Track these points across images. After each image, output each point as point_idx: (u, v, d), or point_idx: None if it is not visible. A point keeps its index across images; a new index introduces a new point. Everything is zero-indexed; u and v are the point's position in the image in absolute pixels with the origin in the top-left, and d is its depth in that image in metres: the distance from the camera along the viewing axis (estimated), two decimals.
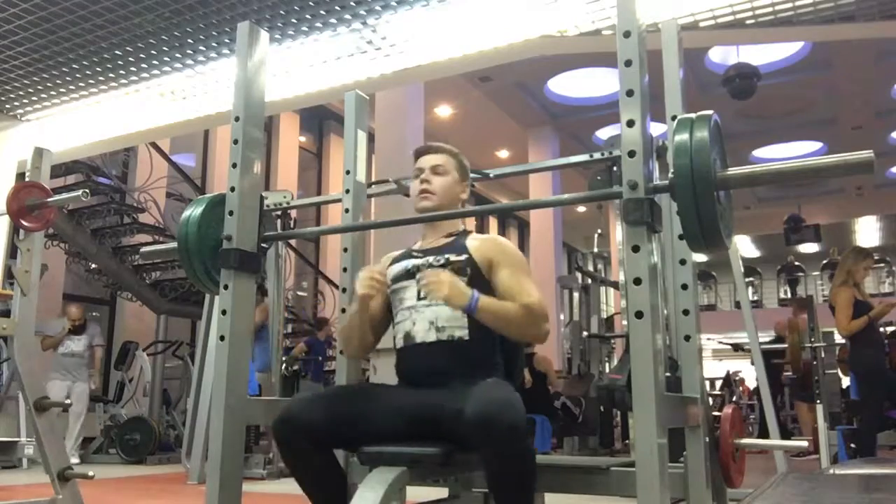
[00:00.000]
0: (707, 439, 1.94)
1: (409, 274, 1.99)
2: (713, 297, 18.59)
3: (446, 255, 1.98)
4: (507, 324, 1.86)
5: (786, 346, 6.85)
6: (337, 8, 3.71)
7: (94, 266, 7.78)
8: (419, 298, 1.95)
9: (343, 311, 2.28)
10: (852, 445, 4.78)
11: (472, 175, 2.24)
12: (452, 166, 2.10)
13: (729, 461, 2.05)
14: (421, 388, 1.90)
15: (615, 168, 2.88)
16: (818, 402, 5.23)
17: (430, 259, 1.98)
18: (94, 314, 7.00)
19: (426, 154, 2.13)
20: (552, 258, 11.26)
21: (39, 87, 4.71)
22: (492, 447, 1.61)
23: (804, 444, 2.38)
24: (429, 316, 1.93)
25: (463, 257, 1.96)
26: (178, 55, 4.25)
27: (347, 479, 1.99)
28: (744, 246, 19.40)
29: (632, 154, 1.55)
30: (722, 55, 9.28)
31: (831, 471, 2.82)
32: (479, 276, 1.95)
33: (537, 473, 1.70)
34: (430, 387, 1.88)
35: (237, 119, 2.04)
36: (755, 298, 17.32)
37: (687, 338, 2.02)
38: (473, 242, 2.02)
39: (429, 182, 2.07)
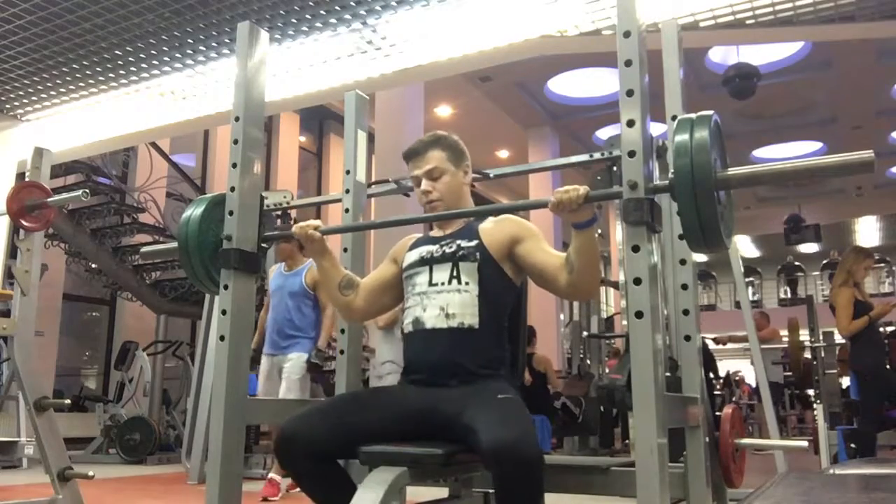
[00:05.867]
0: (707, 439, 1.94)
1: (424, 261, 1.99)
2: (713, 297, 18.60)
3: (458, 242, 1.97)
4: (595, 258, 1.78)
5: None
6: (337, 8, 3.71)
7: (94, 266, 7.78)
8: (430, 284, 1.95)
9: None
10: (852, 445, 4.77)
11: (471, 175, 2.23)
12: (444, 160, 2.05)
13: (729, 461, 2.05)
14: (427, 387, 1.89)
15: (615, 168, 2.89)
16: (818, 401, 5.23)
17: (444, 247, 1.98)
18: None
19: (414, 158, 2.06)
20: None
21: (39, 87, 4.71)
22: (505, 477, 1.60)
23: (804, 444, 2.38)
24: (439, 302, 1.92)
25: (473, 243, 1.96)
26: (178, 55, 4.25)
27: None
28: (744, 246, 19.40)
29: (632, 154, 1.55)
30: (722, 55, 9.27)
31: (831, 471, 2.82)
32: (489, 261, 1.94)
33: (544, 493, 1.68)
34: (436, 385, 1.87)
35: (237, 119, 2.04)
36: (755, 298, 17.33)
37: (687, 338, 2.02)
38: (487, 226, 2.01)
39: (430, 191, 2.03)
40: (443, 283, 1.93)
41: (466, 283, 1.91)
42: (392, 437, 1.81)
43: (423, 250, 2.02)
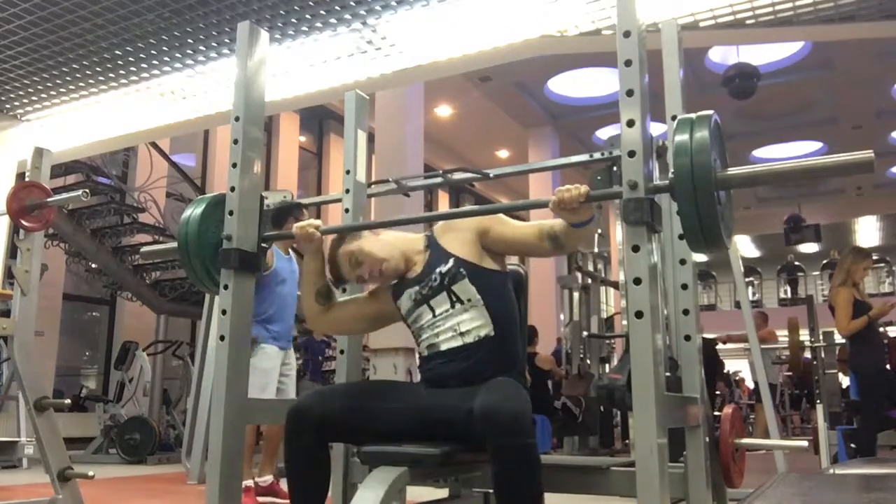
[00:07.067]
0: (707, 439, 1.94)
1: (418, 302, 1.98)
2: (713, 297, 18.61)
3: (437, 271, 1.96)
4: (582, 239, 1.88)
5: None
6: (337, 8, 3.71)
7: (94, 266, 7.78)
8: (435, 316, 1.95)
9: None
10: (852, 445, 4.78)
11: (471, 175, 2.23)
12: (353, 258, 2.00)
13: (729, 461, 2.05)
14: (441, 388, 1.91)
15: (615, 168, 2.88)
16: (818, 402, 5.23)
17: (429, 283, 1.96)
18: None
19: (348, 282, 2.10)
20: (552, 258, 11.26)
21: (39, 87, 4.71)
22: (495, 438, 1.62)
23: (804, 444, 2.38)
24: (450, 324, 1.93)
25: (451, 263, 1.95)
26: (178, 55, 4.24)
27: (347, 480, 2.02)
28: (744, 246, 19.40)
29: (632, 154, 1.55)
30: (722, 55, 9.27)
31: (831, 471, 2.82)
32: (474, 269, 1.94)
33: (542, 476, 1.67)
34: (450, 387, 1.89)
35: (237, 119, 2.04)
36: (755, 298, 17.35)
37: (687, 338, 2.02)
38: (448, 238, 2.00)
39: (369, 269, 1.99)
40: (447, 310, 1.94)
41: (469, 300, 1.92)
42: (403, 428, 1.83)
43: (412, 293, 2.00)
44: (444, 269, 1.95)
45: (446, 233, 2.02)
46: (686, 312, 2.03)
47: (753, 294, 17.51)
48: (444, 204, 13.15)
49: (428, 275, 1.98)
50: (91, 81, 4.61)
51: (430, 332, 1.96)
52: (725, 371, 10.79)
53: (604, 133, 11.35)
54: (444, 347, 1.93)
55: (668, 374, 1.90)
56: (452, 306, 1.93)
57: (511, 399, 1.68)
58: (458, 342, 1.91)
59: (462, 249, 1.96)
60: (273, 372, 3.82)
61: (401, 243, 2.04)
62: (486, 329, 1.91)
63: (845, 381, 6.04)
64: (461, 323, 1.92)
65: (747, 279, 15.74)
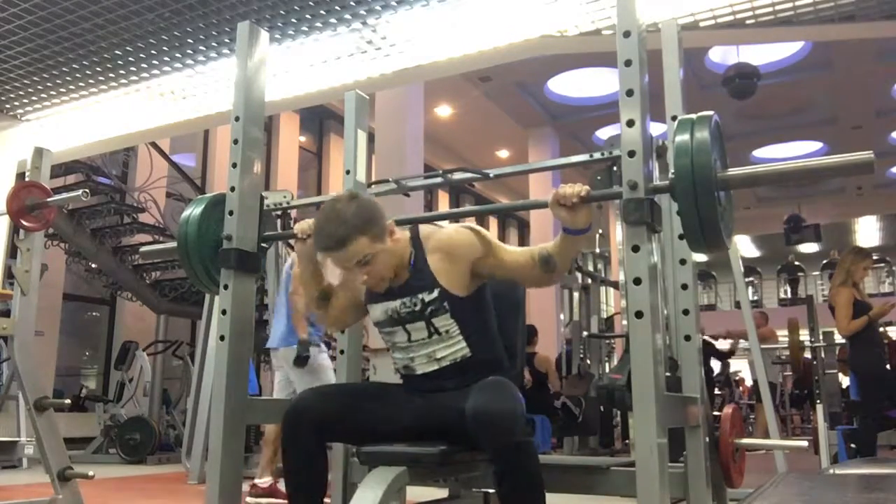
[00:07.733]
0: (707, 439, 1.94)
1: (394, 321, 1.93)
2: (713, 297, 18.60)
3: (420, 296, 1.89)
4: (574, 256, 1.84)
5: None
6: (337, 8, 3.71)
7: (94, 266, 7.78)
8: (410, 341, 1.92)
9: None
10: (852, 445, 4.78)
11: (471, 175, 2.22)
12: (368, 244, 1.80)
13: (729, 461, 2.05)
14: (431, 393, 1.91)
15: (615, 168, 2.89)
16: (818, 402, 5.23)
17: (411, 305, 1.89)
18: None
19: (334, 252, 1.82)
20: None
21: (39, 87, 4.71)
22: (489, 438, 1.63)
23: (804, 443, 2.38)
24: (426, 351, 1.91)
25: (436, 293, 1.88)
26: (178, 55, 4.25)
27: (346, 480, 2.02)
28: (744, 246, 19.40)
29: (632, 154, 1.56)
30: (722, 55, 9.27)
31: (831, 471, 2.82)
32: (457, 302, 1.89)
33: (540, 472, 1.67)
34: (449, 390, 1.89)
35: (237, 119, 2.04)
36: (755, 298, 17.32)
37: (687, 338, 2.02)
38: (440, 265, 1.90)
39: (367, 277, 1.85)
40: (423, 339, 1.91)
41: (447, 331, 1.90)
42: (400, 429, 1.83)
43: (388, 307, 1.93)
44: (427, 297, 1.88)
45: (436, 251, 1.91)
46: (686, 312, 2.03)
47: (753, 294, 17.49)
48: (444, 204, 13.15)
49: (408, 295, 1.90)
50: (91, 81, 4.61)
51: (405, 354, 1.94)
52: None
53: (604, 133, 11.35)
54: (419, 371, 1.92)
55: (668, 374, 1.90)
56: (430, 336, 1.90)
57: (500, 400, 1.67)
58: (434, 367, 1.91)
59: (450, 280, 1.88)
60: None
61: (397, 254, 1.91)
62: (461, 353, 1.90)
63: (845, 381, 6.04)
64: (437, 351, 1.90)
65: (747, 279, 15.72)
